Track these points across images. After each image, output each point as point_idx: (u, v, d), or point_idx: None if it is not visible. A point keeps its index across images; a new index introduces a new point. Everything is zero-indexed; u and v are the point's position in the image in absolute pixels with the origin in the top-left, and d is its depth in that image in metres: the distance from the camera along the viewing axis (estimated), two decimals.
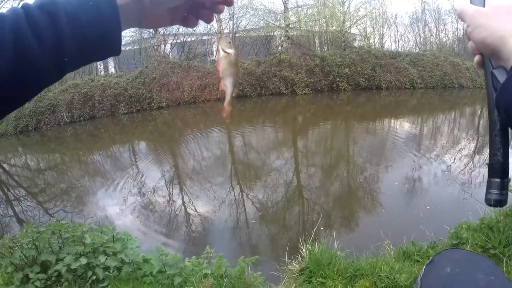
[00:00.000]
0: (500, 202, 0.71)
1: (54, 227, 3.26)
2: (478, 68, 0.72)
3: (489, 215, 3.50)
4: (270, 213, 6.83)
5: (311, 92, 15.71)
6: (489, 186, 0.72)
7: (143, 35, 17.92)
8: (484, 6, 0.67)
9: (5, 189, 10.01)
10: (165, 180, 8.86)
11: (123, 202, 7.68)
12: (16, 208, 8.59)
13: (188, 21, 0.71)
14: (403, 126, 11.81)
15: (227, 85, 0.84)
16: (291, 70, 15.71)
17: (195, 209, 7.16)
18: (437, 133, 11.28)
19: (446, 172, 7.83)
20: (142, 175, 9.35)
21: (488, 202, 0.72)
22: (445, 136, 10.84)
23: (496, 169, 0.72)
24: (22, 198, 9.25)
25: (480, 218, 3.46)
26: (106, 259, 2.85)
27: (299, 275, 2.77)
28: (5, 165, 12.44)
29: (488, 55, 0.67)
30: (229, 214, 6.82)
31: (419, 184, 7.42)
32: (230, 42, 0.81)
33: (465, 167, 8.07)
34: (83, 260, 2.81)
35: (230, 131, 12.37)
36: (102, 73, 18.79)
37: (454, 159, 8.66)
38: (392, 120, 12.46)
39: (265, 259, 5.12)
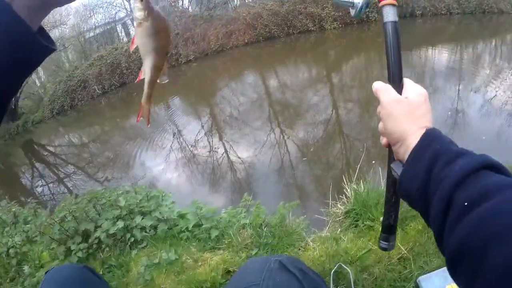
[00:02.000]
0: (386, 250, 0.98)
1: (89, 195, 3.25)
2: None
3: None
4: (312, 152, 6.61)
5: (340, 26, 14.64)
6: (380, 237, 0.99)
7: None
8: (401, 91, 0.78)
9: (55, 170, 10.41)
10: (204, 131, 8.87)
11: (166, 159, 7.82)
12: (68, 184, 8.95)
13: None
14: (442, 54, 10.82)
15: (145, 69, 0.63)
16: (316, 5, 14.67)
17: (238, 155, 7.15)
18: (479, 61, 10.14)
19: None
20: (181, 130, 9.41)
21: (381, 248, 0.99)
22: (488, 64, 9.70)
23: (386, 227, 0.97)
24: (72, 174, 9.62)
25: None
26: (142, 219, 2.79)
27: (345, 218, 2.51)
28: (50, 148, 12.90)
29: (391, 143, 0.75)
30: (271, 156, 6.72)
31: (465, 116, 6.71)
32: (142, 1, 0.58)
33: None
34: (120, 224, 2.78)
35: (262, 73, 12.04)
36: (125, 39, 18.58)
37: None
38: (430, 49, 11.43)
39: (309, 202, 5.07)
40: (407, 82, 0.81)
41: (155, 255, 2.50)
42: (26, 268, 2.84)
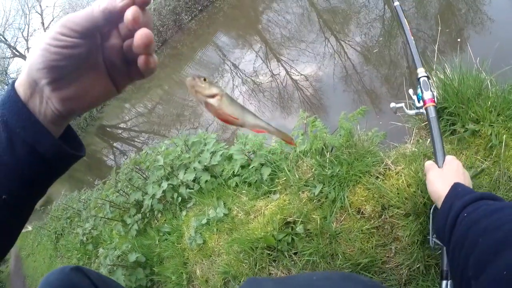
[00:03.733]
0: None
1: (131, 162, 3.04)
2: None
3: None
4: (374, 52, 6.36)
5: None
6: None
7: None
8: (442, 165, 1.18)
9: (132, 142, 11.01)
10: (261, 58, 8.76)
11: (232, 96, 7.87)
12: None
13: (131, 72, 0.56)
14: None
15: (258, 124, 0.60)
16: None
17: (300, 73, 7.02)
18: None
19: None
20: (238, 64, 9.41)
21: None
22: None
23: None
24: (148, 139, 10.17)
25: None
26: (185, 173, 2.44)
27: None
28: (122, 125, 13.52)
29: (434, 201, 1.09)
30: (333, 67, 6.51)
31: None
32: (206, 81, 0.54)
33: None
34: (165, 184, 2.49)
35: None
36: None
37: None
38: None
39: (382, 106, 4.52)
40: (447, 158, 1.17)
41: (203, 213, 2.12)
42: (100, 250, 2.76)
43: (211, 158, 2.35)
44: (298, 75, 7.05)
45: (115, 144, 14.10)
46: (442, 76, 1.77)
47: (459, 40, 4.99)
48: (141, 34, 0.48)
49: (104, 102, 0.62)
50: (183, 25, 14.66)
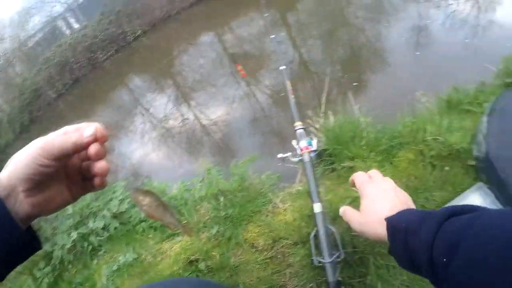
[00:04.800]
0: None
1: None
2: None
3: None
4: (282, 96, 6.46)
5: None
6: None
7: None
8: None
9: None
10: (171, 103, 8.66)
11: (142, 142, 7.73)
12: None
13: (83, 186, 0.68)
14: None
15: (171, 221, 0.78)
16: None
17: (209, 118, 7.05)
18: None
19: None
20: (149, 108, 9.20)
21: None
22: None
23: None
24: None
25: None
26: (94, 221, 2.53)
27: (318, 162, 2.08)
28: None
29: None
30: (242, 110, 6.61)
31: (430, 33, 6.34)
32: (139, 194, 0.74)
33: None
34: (74, 234, 2.53)
35: (216, 30, 11.59)
36: (68, 32, 17.64)
37: None
38: None
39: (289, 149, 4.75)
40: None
41: (114, 260, 2.23)
42: None
43: (119, 205, 2.50)
44: (207, 120, 7.03)
45: None
46: (324, 121, 2.22)
47: (355, 84, 5.28)
48: (101, 166, 0.64)
49: (63, 208, 0.70)
50: (97, 64, 14.19)
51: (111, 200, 2.58)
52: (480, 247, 0.53)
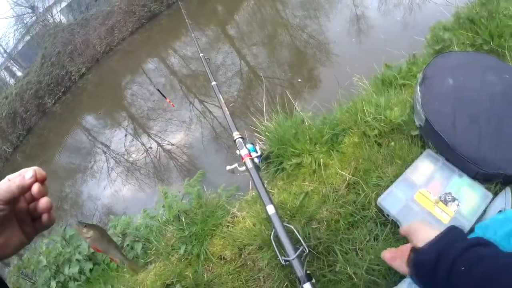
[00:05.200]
0: None
1: (15, 268, 3.03)
2: None
3: (462, 10, 2.70)
4: (235, 106, 6.63)
5: None
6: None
7: (24, 21, 16.14)
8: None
9: None
10: (131, 135, 8.62)
11: (109, 179, 7.58)
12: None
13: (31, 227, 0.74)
14: None
15: (115, 255, 0.92)
16: None
17: (171, 143, 7.06)
18: None
19: None
20: (109, 145, 9.06)
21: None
22: None
23: None
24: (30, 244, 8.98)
25: (453, 14, 2.71)
26: (69, 267, 2.55)
27: (267, 165, 2.12)
28: None
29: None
30: (201, 129, 6.68)
31: (365, 19, 6.74)
32: (85, 227, 0.83)
33: None
34: (53, 284, 2.55)
35: (160, 55, 11.60)
36: (12, 81, 17.02)
37: None
38: None
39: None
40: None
41: None
42: None
43: (89, 248, 2.52)
44: (169, 145, 7.02)
45: None
46: (268, 124, 2.24)
47: (299, 80, 5.52)
48: (44, 201, 0.69)
49: (20, 250, 0.75)
50: (47, 109, 13.73)
51: (81, 244, 2.63)
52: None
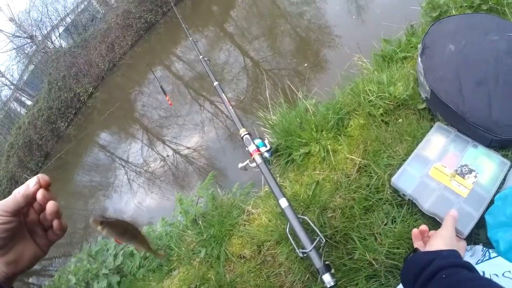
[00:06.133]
0: None
1: None
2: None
3: None
4: (244, 101, 6.62)
5: None
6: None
7: (25, 51, 16.42)
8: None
9: (44, 273, 9.97)
10: (146, 146, 8.74)
11: (131, 192, 7.69)
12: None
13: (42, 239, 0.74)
14: None
15: (138, 247, 0.89)
16: None
17: (187, 147, 7.10)
18: None
19: None
20: (127, 159, 9.19)
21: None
22: None
23: None
24: (63, 263, 9.25)
25: None
26: (98, 283, 2.60)
27: (277, 159, 2.09)
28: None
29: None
30: (216, 130, 6.70)
31: None
32: (97, 224, 0.77)
33: None
34: None
35: (163, 63, 11.65)
36: (23, 111, 17.38)
37: None
38: None
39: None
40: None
41: None
42: None
43: (114, 260, 2.59)
44: (185, 150, 7.06)
45: (30, 280, 12.54)
46: (273, 117, 2.23)
47: (306, 65, 5.46)
48: (50, 205, 0.69)
49: (37, 262, 0.76)
50: (61, 133, 13.97)
51: (106, 258, 2.68)
52: None
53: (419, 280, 0.92)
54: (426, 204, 1.41)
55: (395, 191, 1.55)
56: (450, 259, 0.94)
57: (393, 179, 1.53)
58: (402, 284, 1.06)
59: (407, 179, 1.51)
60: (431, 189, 1.46)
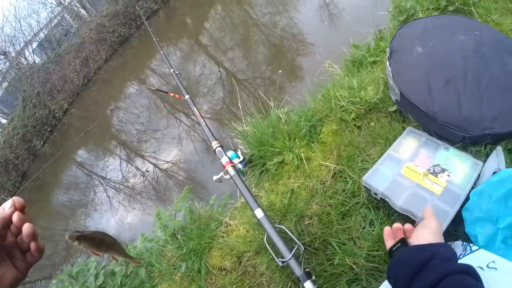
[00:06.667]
0: None
1: None
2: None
3: None
4: (222, 113, 6.62)
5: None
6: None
7: None
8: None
9: None
10: (125, 161, 8.65)
11: (112, 209, 7.58)
12: None
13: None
14: None
15: (116, 256, 0.91)
16: None
17: (166, 161, 7.09)
18: None
19: None
20: (105, 175, 9.02)
21: None
22: None
23: None
24: None
25: None
26: None
27: (252, 169, 2.10)
28: None
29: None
30: (193, 142, 6.67)
31: (333, 4, 6.79)
32: (73, 240, 0.81)
33: None
34: None
35: (139, 77, 11.59)
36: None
37: None
38: None
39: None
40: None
41: None
42: None
43: (95, 281, 2.51)
44: (165, 164, 7.00)
45: None
46: (245, 128, 2.24)
47: (280, 71, 5.50)
48: (26, 227, 0.68)
49: (16, 286, 0.75)
50: (37, 151, 13.63)
51: (87, 278, 2.63)
52: None
53: (416, 282, 0.86)
54: (399, 201, 1.41)
55: (368, 190, 1.55)
56: (451, 263, 0.89)
57: (365, 177, 1.53)
58: (389, 282, 0.98)
59: (379, 178, 1.52)
60: (404, 187, 1.46)
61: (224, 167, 1.70)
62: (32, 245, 0.70)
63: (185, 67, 9.24)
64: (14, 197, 0.70)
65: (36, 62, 15.83)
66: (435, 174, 1.48)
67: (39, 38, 16.46)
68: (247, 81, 6.91)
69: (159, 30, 12.50)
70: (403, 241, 1.05)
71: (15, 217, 0.68)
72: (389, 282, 0.97)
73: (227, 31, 10.02)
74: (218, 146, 1.80)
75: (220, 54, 9.01)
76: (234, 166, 1.68)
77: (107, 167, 9.20)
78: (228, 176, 1.69)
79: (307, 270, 1.31)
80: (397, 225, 1.13)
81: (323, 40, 5.88)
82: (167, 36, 11.93)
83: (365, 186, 1.55)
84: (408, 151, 1.58)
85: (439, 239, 1.00)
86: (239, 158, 1.77)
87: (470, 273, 0.85)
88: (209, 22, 11.36)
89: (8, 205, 0.69)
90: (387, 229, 1.13)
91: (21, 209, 0.70)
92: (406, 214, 1.39)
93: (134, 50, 13.23)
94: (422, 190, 1.44)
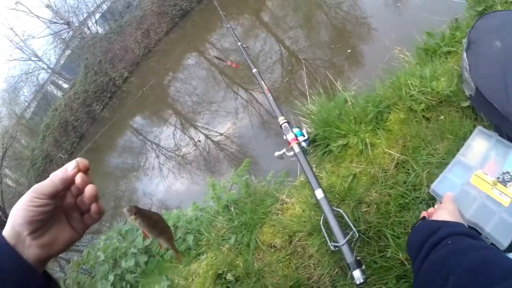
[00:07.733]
0: None
1: (74, 266, 3.25)
2: None
3: None
4: (281, 90, 6.59)
5: None
6: None
7: (62, 37, 16.87)
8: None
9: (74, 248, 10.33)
10: (179, 130, 8.86)
11: (162, 175, 7.87)
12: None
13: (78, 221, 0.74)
14: None
15: (164, 243, 0.91)
16: None
17: (220, 133, 7.18)
18: None
19: None
20: (159, 142, 9.34)
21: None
22: None
23: None
24: (91, 240, 9.59)
25: None
26: (126, 261, 2.67)
27: (314, 149, 2.05)
28: None
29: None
30: (249, 117, 6.71)
31: None
32: (135, 214, 0.81)
33: None
34: (111, 277, 2.68)
35: (198, 49, 11.74)
36: (59, 94, 17.93)
37: None
38: None
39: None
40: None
41: None
42: None
43: (143, 241, 2.64)
44: (217, 136, 7.11)
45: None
46: (312, 107, 2.19)
47: (349, 51, 5.37)
48: (89, 188, 0.69)
49: (71, 246, 0.76)
50: (96, 115, 14.37)
51: (136, 238, 2.75)
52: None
53: (426, 245, 0.95)
54: (467, 214, 1.34)
55: (433, 198, 1.48)
56: (457, 227, 0.99)
57: (433, 186, 1.46)
58: (407, 250, 1.08)
59: (448, 186, 1.44)
60: (472, 198, 1.39)
61: (289, 144, 1.68)
62: (93, 207, 0.71)
63: (245, 43, 9.18)
64: (78, 158, 0.70)
65: (99, 32, 16.40)
66: (504, 183, 1.39)
67: (102, 10, 16.95)
68: (308, 61, 6.82)
69: (222, 4, 12.44)
70: (424, 220, 1.17)
71: (79, 178, 0.68)
72: (407, 252, 1.08)
73: (289, 10, 9.88)
74: (285, 122, 1.77)
75: (282, 32, 8.91)
76: (299, 144, 1.67)
77: (161, 134, 9.49)
78: (291, 153, 1.67)
79: (358, 258, 1.29)
80: (431, 209, 1.27)
81: (390, 24, 5.65)
82: (228, 11, 11.85)
83: (432, 194, 1.47)
84: (477, 156, 1.49)
85: (456, 219, 1.09)
86: (304, 136, 1.74)
87: (471, 235, 0.96)
88: (271, 0, 11.25)
89: (72, 166, 0.69)
90: (423, 212, 1.27)
91: (85, 171, 0.70)
92: (473, 226, 1.31)
93: (194, 23, 13.38)
94: (490, 201, 1.35)
